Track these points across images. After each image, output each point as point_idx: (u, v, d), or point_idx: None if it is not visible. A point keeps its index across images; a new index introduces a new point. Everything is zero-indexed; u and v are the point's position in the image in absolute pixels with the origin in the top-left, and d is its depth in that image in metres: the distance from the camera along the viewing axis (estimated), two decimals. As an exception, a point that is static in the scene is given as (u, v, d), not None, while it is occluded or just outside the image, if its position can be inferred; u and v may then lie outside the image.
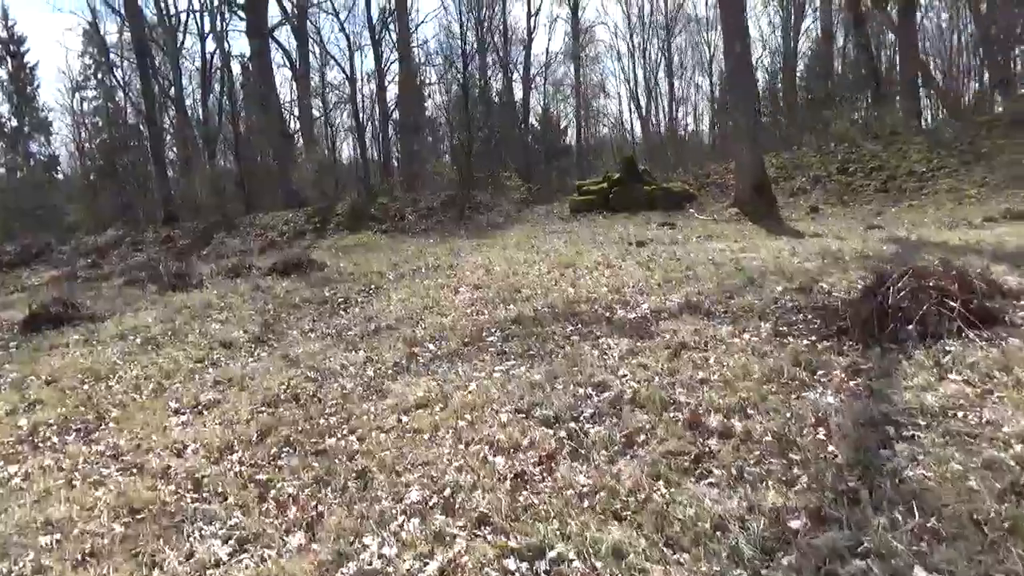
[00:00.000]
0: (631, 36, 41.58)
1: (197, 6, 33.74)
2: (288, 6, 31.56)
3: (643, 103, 35.98)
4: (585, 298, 7.40)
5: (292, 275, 11.99)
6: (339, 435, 4.67)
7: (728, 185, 19.73)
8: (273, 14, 29.71)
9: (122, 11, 30.39)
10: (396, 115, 33.50)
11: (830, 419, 3.80)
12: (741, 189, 16.40)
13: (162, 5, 32.01)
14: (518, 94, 36.29)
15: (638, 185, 19.11)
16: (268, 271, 12.69)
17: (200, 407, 5.66)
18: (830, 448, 3.53)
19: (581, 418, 4.37)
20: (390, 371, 5.97)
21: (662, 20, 37.15)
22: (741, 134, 16.08)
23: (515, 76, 36.45)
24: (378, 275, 10.97)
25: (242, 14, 29.11)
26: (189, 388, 6.17)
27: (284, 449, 4.57)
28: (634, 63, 38.25)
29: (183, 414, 5.55)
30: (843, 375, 4.45)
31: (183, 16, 33.73)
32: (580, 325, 6.54)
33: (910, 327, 4.68)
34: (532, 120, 37.46)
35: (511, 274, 9.63)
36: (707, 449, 3.74)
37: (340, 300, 9.35)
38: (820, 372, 4.59)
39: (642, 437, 3.99)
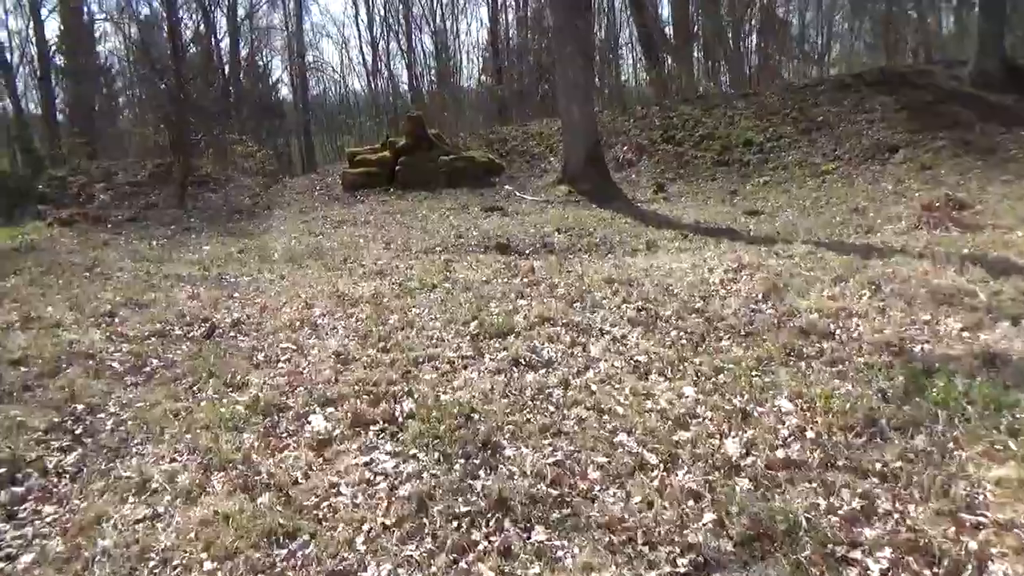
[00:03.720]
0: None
1: None
2: None
3: (381, 46, 31.08)
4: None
5: None
6: None
7: (533, 154, 16.35)
8: None
9: None
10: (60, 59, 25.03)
11: None
12: (572, 161, 13.00)
13: None
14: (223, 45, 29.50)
15: (432, 154, 14.85)
16: None
17: None
18: None
19: None
20: None
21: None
22: (571, 90, 12.61)
23: (218, 17, 29.55)
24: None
25: None
26: None
27: None
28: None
29: None
30: None
31: None
32: None
33: None
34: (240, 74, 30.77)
35: (386, 354, 4.95)
36: None
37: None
38: None
39: None
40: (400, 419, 3.43)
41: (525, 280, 6.36)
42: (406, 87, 29.54)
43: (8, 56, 26.36)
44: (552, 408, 3.42)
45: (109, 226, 12.37)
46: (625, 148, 15.20)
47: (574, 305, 5.26)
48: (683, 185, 13.35)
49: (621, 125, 16.20)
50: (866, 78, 15.19)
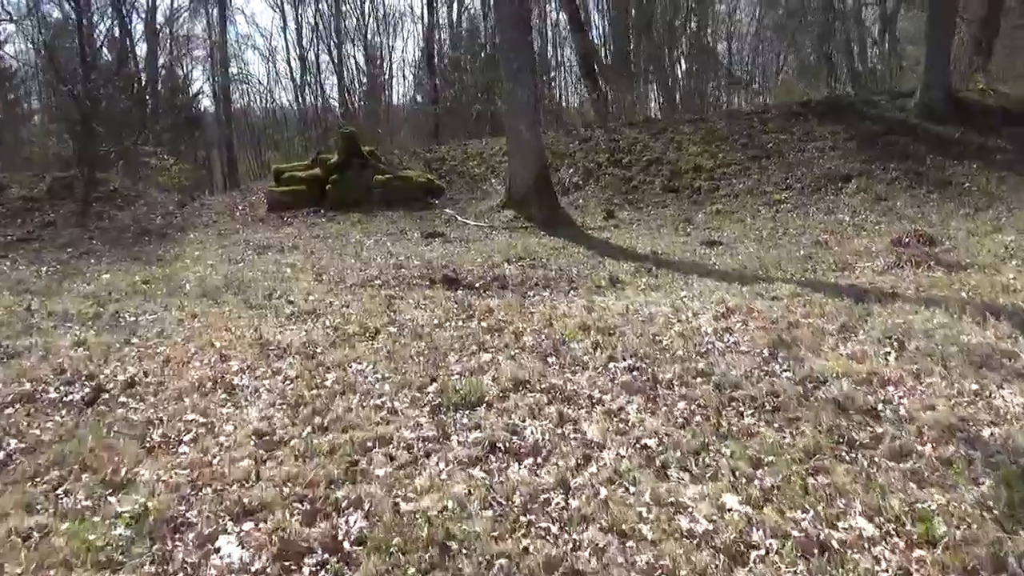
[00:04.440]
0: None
1: None
2: None
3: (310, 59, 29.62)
4: None
5: None
6: None
7: (474, 175, 15.52)
8: None
9: None
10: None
11: None
12: (519, 183, 12.21)
13: None
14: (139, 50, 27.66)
15: (366, 172, 13.81)
16: None
17: None
18: None
19: None
20: None
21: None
22: (518, 108, 11.85)
23: (135, 23, 27.71)
24: None
25: None
26: None
27: None
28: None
29: None
30: None
31: None
32: None
33: None
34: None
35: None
36: None
37: None
38: None
39: None
40: (346, 546, 2.49)
41: (484, 324, 5.48)
42: (336, 103, 28.30)
43: None
44: (555, 528, 2.54)
45: (-8, 251, 10.83)
46: (571, 171, 14.55)
47: (549, 360, 4.41)
48: (633, 211, 12.76)
49: (566, 147, 15.56)
50: (813, 107, 15.05)
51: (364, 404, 3.79)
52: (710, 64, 27.11)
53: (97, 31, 25.19)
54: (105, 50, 25.80)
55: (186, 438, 3.52)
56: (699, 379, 3.89)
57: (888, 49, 23.45)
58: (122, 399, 4.09)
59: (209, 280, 7.79)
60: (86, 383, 4.37)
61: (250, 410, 3.79)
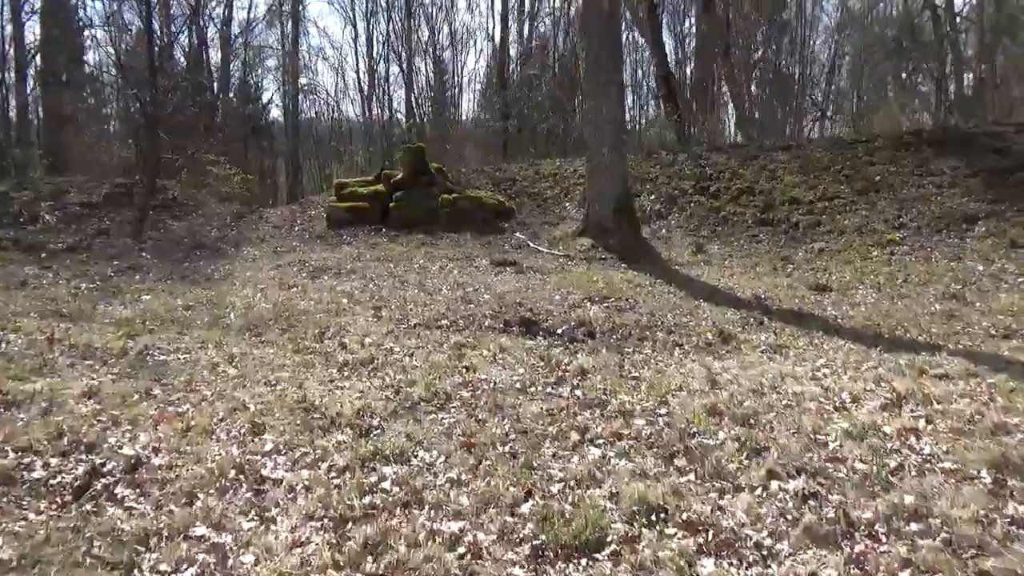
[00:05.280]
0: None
1: None
2: None
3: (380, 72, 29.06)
4: None
5: None
6: None
7: (546, 197, 14.48)
8: None
9: None
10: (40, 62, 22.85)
11: None
12: (598, 211, 11.10)
13: None
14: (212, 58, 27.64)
15: (432, 191, 12.91)
16: None
17: None
18: None
19: None
20: None
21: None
22: (603, 127, 10.77)
23: (211, 33, 27.68)
24: None
25: None
26: None
27: None
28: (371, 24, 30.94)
29: None
30: None
31: None
32: None
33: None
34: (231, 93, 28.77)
35: None
36: None
37: None
38: None
39: None
40: None
41: (579, 394, 4.38)
42: (403, 116, 27.70)
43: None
44: None
45: (43, 256, 10.26)
46: (652, 198, 13.37)
47: (678, 463, 3.27)
48: (723, 246, 11.50)
49: (647, 171, 14.38)
50: (926, 137, 13.52)
51: (435, 529, 2.71)
52: (789, 90, 25.71)
53: (175, 39, 25.31)
54: (182, 58, 25.88)
55: (186, 571, 2.50)
56: (914, 526, 2.69)
57: (990, 77, 21.53)
58: (119, 490, 3.12)
59: (256, 309, 6.89)
60: (82, 458, 3.42)
61: (280, 527, 2.75)
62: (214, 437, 3.68)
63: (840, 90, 27.80)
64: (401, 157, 14.02)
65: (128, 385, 4.48)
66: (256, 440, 3.63)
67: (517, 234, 12.04)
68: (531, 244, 11.28)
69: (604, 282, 8.75)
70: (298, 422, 3.86)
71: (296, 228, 13.00)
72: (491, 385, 4.56)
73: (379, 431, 3.76)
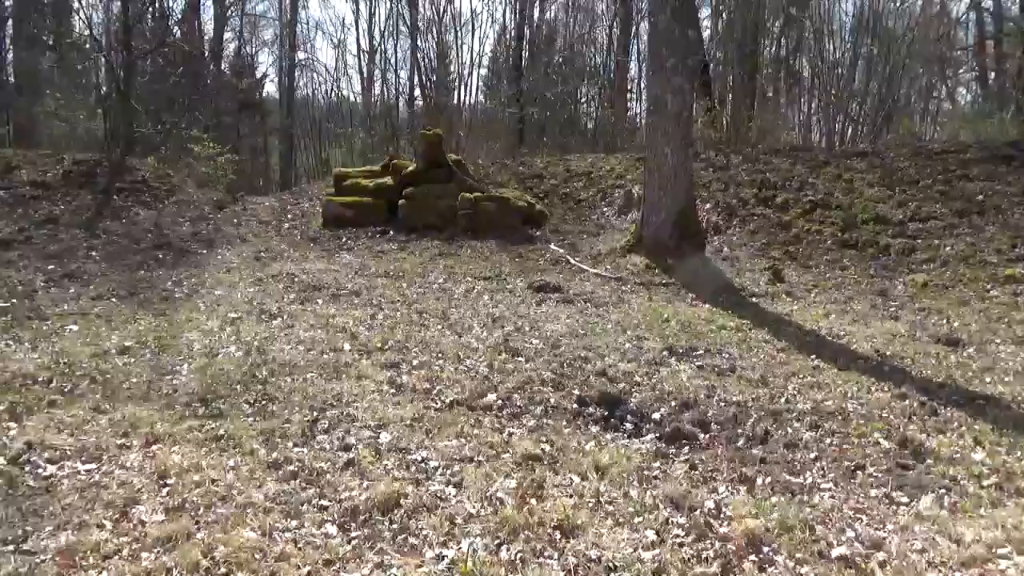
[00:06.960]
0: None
1: None
2: None
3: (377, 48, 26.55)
4: None
5: None
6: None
7: (579, 200, 12.45)
8: None
9: None
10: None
11: None
12: (656, 222, 9.08)
13: None
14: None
15: (449, 187, 10.83)
16: None
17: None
18: None
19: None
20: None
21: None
22: (666, 123, 8.73)
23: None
24: None
25: None
26: None
27: None
28: None
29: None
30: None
31: None
32: None
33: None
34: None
35: None
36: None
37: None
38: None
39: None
40: None
41: None
42: (405, 99, 25.34)
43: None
44: None
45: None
46: (708, 207, 11.34)
47: None
48: (801, 271, 9.49)
49: (697, 175, 12.33)
50: (1031, 149, 11.55)
51: None
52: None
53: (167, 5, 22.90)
54: (175, 27, 23.49)
55: None
56: None
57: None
58: None
59: (220, 359, 4.84)
60: None
61: None
62: None
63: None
64: (414, 146, 11.92)
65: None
66: None
67: (552, 245, 9.99)
68: (571, 260, 9.24)
69: (677, 321, 6.76)
70: None
71: (286, 225, 10.91)
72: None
73: None
